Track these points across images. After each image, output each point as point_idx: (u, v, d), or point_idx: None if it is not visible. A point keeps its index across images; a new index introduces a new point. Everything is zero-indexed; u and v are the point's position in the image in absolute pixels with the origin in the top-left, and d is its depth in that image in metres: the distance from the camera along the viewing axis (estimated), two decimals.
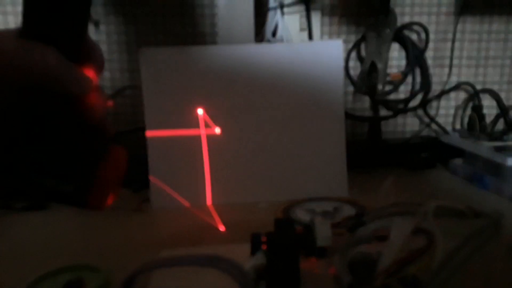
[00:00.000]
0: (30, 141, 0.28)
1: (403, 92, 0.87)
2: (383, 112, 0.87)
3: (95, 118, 0.31)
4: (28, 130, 0.28)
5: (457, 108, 0.88)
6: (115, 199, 0.34)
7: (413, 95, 0.86)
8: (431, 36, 0.84)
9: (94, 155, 0.31)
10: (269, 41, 0.76)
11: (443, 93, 0.87)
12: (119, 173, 0.33)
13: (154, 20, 0.80)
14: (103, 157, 0.31)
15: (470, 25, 0.85)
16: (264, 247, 0.37)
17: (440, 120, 0.88)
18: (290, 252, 0.36)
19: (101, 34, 0.79)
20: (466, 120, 0.87)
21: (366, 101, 0.87)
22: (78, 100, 0.30)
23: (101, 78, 0.80)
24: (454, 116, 0.89)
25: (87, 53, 0.31)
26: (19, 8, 0.77)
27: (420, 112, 0.88)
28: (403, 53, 0.85)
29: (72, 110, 0.30)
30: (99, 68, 0.32)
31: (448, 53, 0.85)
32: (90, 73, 0.31)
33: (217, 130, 0.63)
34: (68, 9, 0.28)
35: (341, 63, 0.66)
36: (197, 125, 0.64)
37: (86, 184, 0.30)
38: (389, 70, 0.84)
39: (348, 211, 0.57)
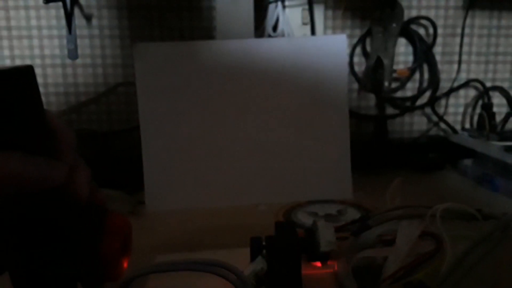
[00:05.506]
0: (25, 246, 0.27)
1: (410, 89, 0.87)
2: (389, 110, 0.87)
3: (83, 197, 0.29)
4: (20, 236, 0.27)
5: (466, 106, 0.89)
6: (129, 260, 0.36)
7: (420, 92, 0.86)
8: (439, 30, 0.85)
9: (94, 235, 0.30)
10: (269, 35, 0.77)
11: (452, 90, 0.87)
12: (124, 240, 0.34)
13: (149, 14, 0.80)
14: (103, 233, 0.31)
15: (479, 20, 0.85)
16: (264, 251, 0.38)
17: (449, 118, 0.88)
18: (292, 257, 0.37)
19: (93, 28, 0.79)
20: (475, 118, 0.87)
21: (371, 99, 0.87)
22: (61, 188, 0.27)
23: (94, 75, 0.80)
24: (464, 114, 0.89)
25: (52, 136, 0.28)
26: None
27: (428, 110, 0.88)
28: (410, 49, 0.86)
29: (58, 198, 0.28)
30: (71, 145, 0.30)
31: (456, 49, 0.86)
32: (63, 155, 0.28)
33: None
34: (15, 110, 0.25)
35: (345, 59, 0.67)
36: (194, 125, 0.65)
37: (95, 269, 0.30)
38: (395, 66, 0.84)
39: (353, 214, 0.58)
